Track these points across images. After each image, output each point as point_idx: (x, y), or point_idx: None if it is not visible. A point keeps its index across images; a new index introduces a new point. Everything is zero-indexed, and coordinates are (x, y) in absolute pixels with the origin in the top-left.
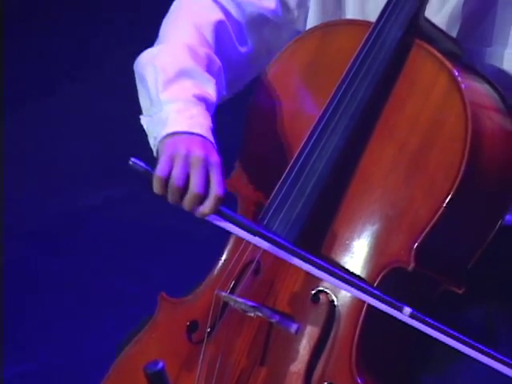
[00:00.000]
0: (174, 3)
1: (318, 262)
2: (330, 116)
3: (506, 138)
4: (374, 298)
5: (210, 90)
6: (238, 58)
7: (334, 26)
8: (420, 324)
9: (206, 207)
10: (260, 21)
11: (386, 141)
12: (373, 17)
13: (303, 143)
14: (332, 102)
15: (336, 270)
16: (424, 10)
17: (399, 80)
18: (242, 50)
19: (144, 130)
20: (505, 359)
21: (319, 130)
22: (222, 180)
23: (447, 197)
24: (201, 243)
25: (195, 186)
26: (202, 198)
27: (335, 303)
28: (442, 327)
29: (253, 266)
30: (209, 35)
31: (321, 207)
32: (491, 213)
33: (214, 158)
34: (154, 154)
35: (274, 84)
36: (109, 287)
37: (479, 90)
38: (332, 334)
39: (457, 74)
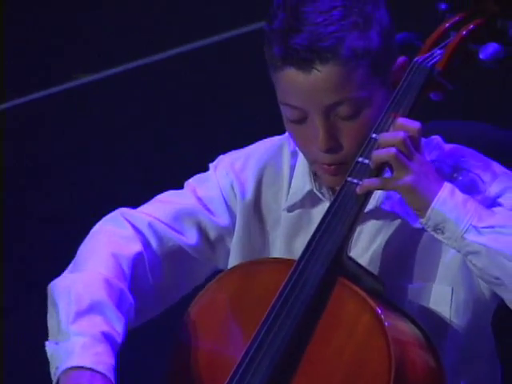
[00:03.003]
0: (94, 228)
1: None
2: (253, 355)
3: (429, 375)
4: None
5: (119, 329)
6: (147, 289)
7: (257, 265)
8: None
9: None
10: (179, 255)
11: (310, 378)
12: (299, 254)
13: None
14: (254, 341)
15: None
16: (347, 248)
17: (322, 317)
18: (152, 281)
19: None
20: None
21: (242, 369)
22: None
23: None
24: None
25: None
26: None
27: None
28: None
29: None
30: (126, 269)
31: None
32: None
33: None
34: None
35: (195, 324)
36: None
37: (402, 327)
38: None
39: (380, 311)
